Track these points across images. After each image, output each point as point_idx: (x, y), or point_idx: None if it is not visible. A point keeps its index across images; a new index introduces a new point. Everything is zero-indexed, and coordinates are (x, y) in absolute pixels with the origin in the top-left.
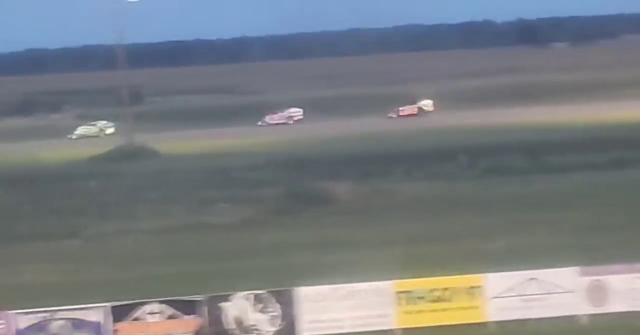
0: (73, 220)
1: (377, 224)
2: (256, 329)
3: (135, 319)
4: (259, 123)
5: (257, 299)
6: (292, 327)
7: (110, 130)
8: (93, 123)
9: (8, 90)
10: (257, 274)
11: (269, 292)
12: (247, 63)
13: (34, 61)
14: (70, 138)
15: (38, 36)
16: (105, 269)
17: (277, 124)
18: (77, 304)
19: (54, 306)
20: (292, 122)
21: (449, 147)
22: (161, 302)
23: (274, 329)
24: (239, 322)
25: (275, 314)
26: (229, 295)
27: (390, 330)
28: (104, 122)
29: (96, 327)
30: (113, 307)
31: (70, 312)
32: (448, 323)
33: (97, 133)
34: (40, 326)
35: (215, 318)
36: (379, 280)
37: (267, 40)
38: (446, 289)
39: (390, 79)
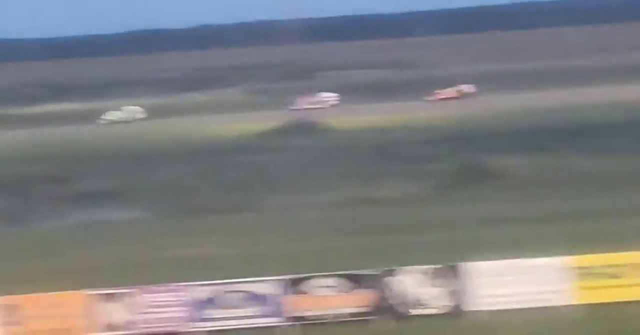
0: (246, 194)
1: (548, 199)
2: (429, 304)
3: (309, 293)
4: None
5: (430, 273)
6: (465, 302)
7: (140, 116)
8: (122, 108)
9: (182, 66)
10: (427, 248)
11: (442, 266)
12: (418, 37)
13: (208, 36)
14: (100, 123)
15: (212, 11)
16: (278, 242)
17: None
18: (250, 277)
19: (228, 279)
20: (328, 106)
21: (620, 122)
22: (334, 275)
23: (446, 303)
24: (412, 297)
25: (447, 288)
26: (402, 269)
27: (566, 306)
28: (134, 107)
29: (270, 299)
30: (287, 280)
31: (244, 285)
32: (624, 299)
33: (128, 118)
34: (215, 298)
35: (388, 292)
36: (549, 255)
37: (436, 14)
38: (623, 265)
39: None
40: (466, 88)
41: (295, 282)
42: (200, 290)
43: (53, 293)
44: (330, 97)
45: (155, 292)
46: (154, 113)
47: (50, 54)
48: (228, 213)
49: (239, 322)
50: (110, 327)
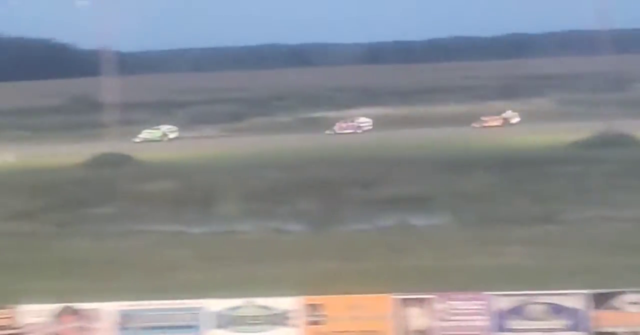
0: (552, 205)
1: None
2: None
3: (615, 308)
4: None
5: None
6: None
7: (173, 135)
8: (157, 127)
9: (491, 74)
10: None
11: None
12: None
13: (518, 45)
14: (134, 142)
15: (522, 21)
16: (583, 256)
17: (346, 133)
18: (552, 289)
19: (530, 290)
20: (360, 131)
21: None
22: None
23: None
24: None
25: None
26: None
27: None
28: (168, 126)
29: (575, 313)
30: (593, 294)
31: (549, 297)
32: None
33: (160, 137)
34: (518, 309)
35: None
36: None
37: None
38: None
39: None
40: None
41: (602, 297)
42: (504, 300)
43: (358, 295)
44: (365, 122)
45: (458, 300)
46: (463, 121)
47: (360, 59)
48: (533, 224)
49: (542, 334)
50: (413, 332)
